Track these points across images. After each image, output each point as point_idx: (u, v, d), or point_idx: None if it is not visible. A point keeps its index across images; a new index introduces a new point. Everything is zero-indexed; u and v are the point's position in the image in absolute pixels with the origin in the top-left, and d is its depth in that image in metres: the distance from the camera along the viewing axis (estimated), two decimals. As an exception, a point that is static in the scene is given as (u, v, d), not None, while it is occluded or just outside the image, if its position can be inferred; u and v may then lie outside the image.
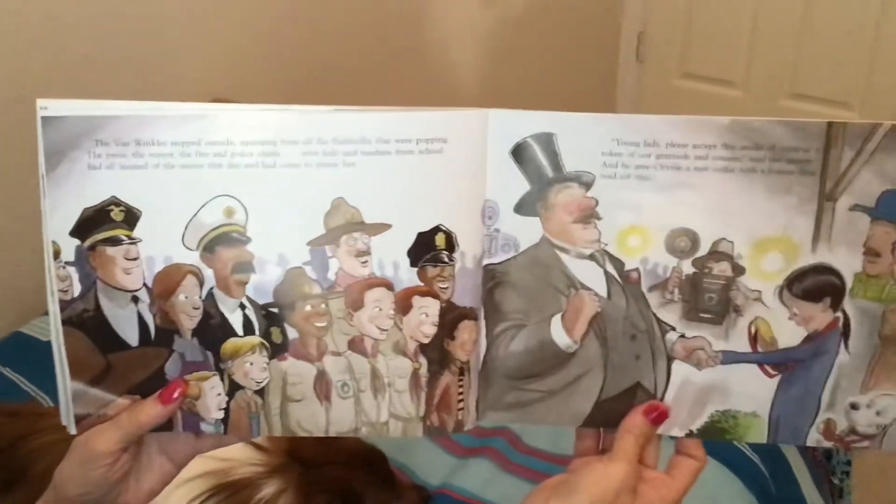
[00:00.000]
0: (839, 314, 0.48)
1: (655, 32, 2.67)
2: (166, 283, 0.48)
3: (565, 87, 2.48)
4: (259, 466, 0.71)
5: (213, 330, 0.49)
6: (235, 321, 0.49)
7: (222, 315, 0.49)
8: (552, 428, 0.74)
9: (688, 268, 0.48)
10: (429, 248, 0.48)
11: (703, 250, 0.48)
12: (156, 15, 1.32)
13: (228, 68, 1.44)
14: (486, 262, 0.49)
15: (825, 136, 0.46)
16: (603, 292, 0.49)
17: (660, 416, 0.49)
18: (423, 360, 0.50)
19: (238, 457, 0.71)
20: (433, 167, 0.48)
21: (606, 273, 0.49)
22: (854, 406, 0.49)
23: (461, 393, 0.50)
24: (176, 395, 0.49)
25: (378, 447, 0.80)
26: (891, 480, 1.59)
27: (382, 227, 0.48)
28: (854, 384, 0.49)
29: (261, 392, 0.50)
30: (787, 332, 0.48)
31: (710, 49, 2.59)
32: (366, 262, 0.48)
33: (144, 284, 0.48)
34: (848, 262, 0.47)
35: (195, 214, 0.48)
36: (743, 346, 0.49)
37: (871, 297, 0.48)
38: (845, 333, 0.48)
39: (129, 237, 0.48)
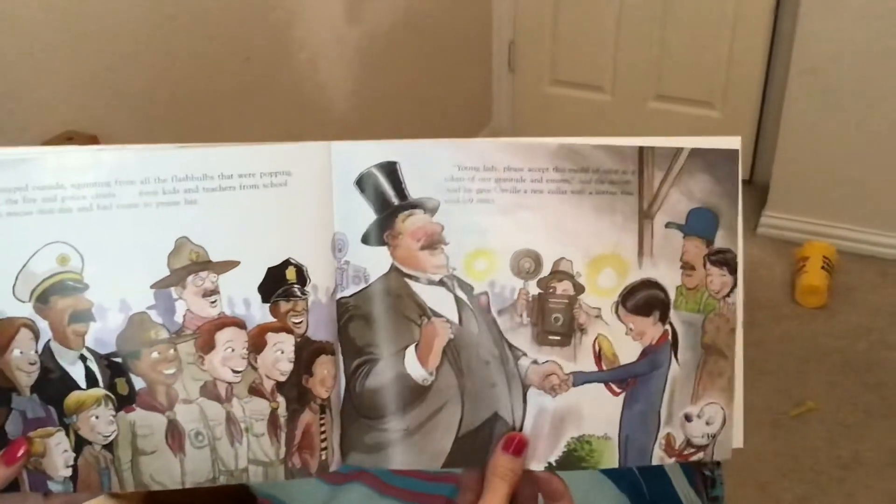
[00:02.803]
0: (667, 327, 0.50)
1: (525, 42, 2.74)
2: None
3: (441, 99, 2.51)
4: None
5: (53, 384, 0.47)
6: (77, 374, 0.47)
7: (62, 368, 0.47)
8: None
9: (533, 289, 0.49)
10: (280, 283, 0.47)
11: (546, 270, 0.49)
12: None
13: (83, 99, 1.37)
14: (339, 295, 0.49)
15: (638, 158, 0.49)
16: (454, 318, 0.49)
17: (519, 445, 0.49)
18: (280, 400, 0.48)
19: (92, 508, 0.67)
20: (279, 201, 0.47)
21: (457, 298, 0.49)
22: (688, 418, 0.51)
23: (323, 432, 0.49)
24: (20, 454, 0.46)
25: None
26: (761, 465, 1.69)
27: (230, 265, 0.47)
28: (686, 395, 0.51)
29: (109, 446, 0.48)
30: (626, 348, 0.50)
31: (577, 56, 2.69)
32: (215, 301, 0.47)
33: None
34: (669, 276, 0.50)
35: (25, 264, 0.45)
36: (590, 365, 0.50)
37: (691, 309, 0.50)
38: (675, 345, 0.50)
39: None
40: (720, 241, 0.50)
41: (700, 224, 0.50)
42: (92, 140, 1.33)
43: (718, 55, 2.48)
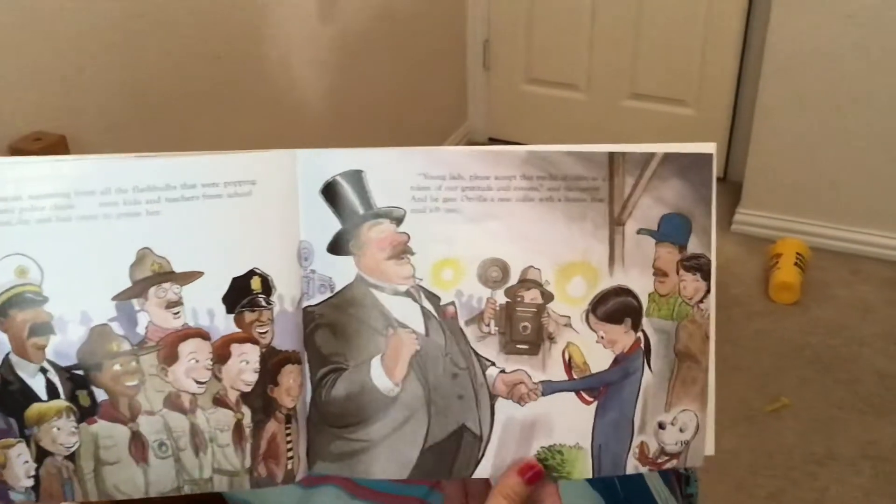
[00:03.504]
0: (640, 334, 0.50)
1: (500, 40, 2.75)
2: None
3: (416, 98, 2.50)
4: None
5: (13, 396, 0.46)
6: (37, 386, 0.46)
7: (22, 381, 0.46)
8: None
9: (501, 298, 0.49)
10: (245, 293, 0.47)
11: (514, 279, 0.49)
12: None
13: (50, 100, 1.35)
14: (305, 304, 0.49)
15: (608, 164, 0.48)
16: (421, 329, 0.49)
17: (535, 476, 0.48)
18: (245, 410, 0.48)
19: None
20: (243, 210, 0.46)
21: (423, 309, 0.49)
22: (661, 425, 0.50)
23: (289, 441, 0.48)
24: None
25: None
26: (735, 461, 1.70)
27: (194, 276, 0.46)
28: (659, 403, 0.50)
29: (72, 457, 0.47)
30: (597, 356, 0.49)
31: (552, 54, 2.69)
32: (178, 313, 0.46)
33: None
34: (641, 283, 0.49)
35: None
36: (560, 374, 0.49)
37: (664, 316, 0.50)
38: (647, 353, 0.50)
39: None
40: (693, 247, 0.50)
41: (672, 230, 0.49)
42: (60, 140, 1.31)
43: (692, 53, 2.50)
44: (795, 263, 2.15)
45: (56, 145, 1.28)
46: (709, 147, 0.49)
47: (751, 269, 2.28)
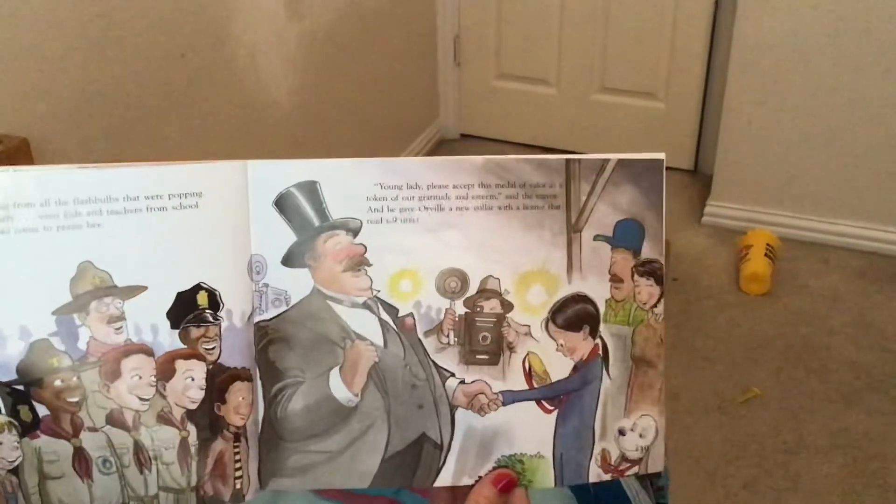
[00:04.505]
0: (598, 341, 0.50)
1: (470, 36, 2.74)
2: None
3: (387, 95, 2.48)
4: None
5: None
6: None
7: None
8: None
9: (460, 308, 0.48)
10: (190, 308, 0.46)
11: (473, 289, 0.48)
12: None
13: (12, 102, 1.32)
14: (257, 318, 0.47)
15: (565, 171, 0.48)
16: (379, 341, 0.48)
17: (508, 485, 0.49)
18: (191, 428, 0.47)
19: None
20: (190, 223, 0.45)
21: (381, 321, 0.48)
22: (622, 431, 0.50)
23: (238, 460, 0.47)
24: None
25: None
26: (708, 452, 1.71)
27: (137, 290, 0.45)
28: (619, 409, 0.50)
29: (15, 471, 0.46)
30: (557, 365, 0.49)
31: (522, 49, 2.69)
32: (120, 328, 0.45)
33: None
34: (598, 290, 0.49)
35: None
36: (520, 383, 0.49)
37: (620, 321, 0.50)
38: (605, 359, 0.50)
39: None
40: (646, 252, 0.50)
41: (627, 236, 0.49)
42: (22, 144, 1.28)
43: (661, 47, 2.50)
44: (766, 254, 2.16)
45: (18, 149, 1.26)
46: (659, 155, 0.50)
47: (721, 260, 2.29)
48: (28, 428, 0.46)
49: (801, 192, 2.32)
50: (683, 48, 2.48)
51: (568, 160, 0.48)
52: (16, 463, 0.46)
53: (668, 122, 2.60)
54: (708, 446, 1.72)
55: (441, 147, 2.87)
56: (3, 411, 0.45)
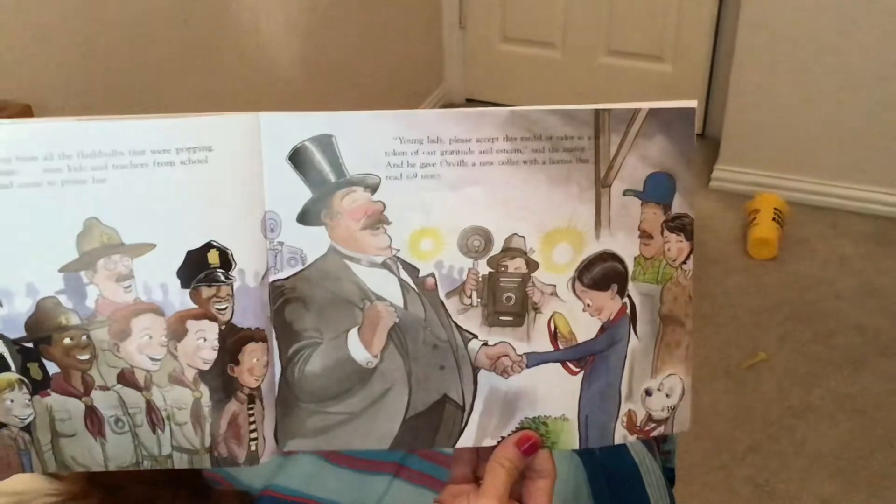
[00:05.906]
0: (626, 300, 0.48)
1: (474, -2, 2.69)
2: None
3: (392, 59, 2.45)
4: (54, 497, 0.65)
5: None
6: None
7: None
8: None
9: (483, 268, 0.46)
10: (201, 267, 0.44)
11: (497, 248, 0.46)
12: None
13: (14, 69, 1.29)
14: (272, 278, 0.46)
15: (594, 123, 0.46)
16: (399, 302, 0.46)
17: (532, 447, 0.47)
18: (204, 389, 0.45)
19: (31, 488, 0.65)
20: (199, 179, 0.43)
21: (401, 281, 0.46)
22: (648, 392, 0.49)
23: (253, 422, 0.46)
24: None
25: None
26: (714, 417, 1.71)
27: (145, 248, 0.43)
28: (646, 369, 0.49)
29: (28, 428, 0.46)
30: (584, 325, 0.47)
31: (528, 13, 2.64)
32: (129, 286, 0.44)
33: None
34: (627, 247, 0.47)
35: None
36: (545, 345, 0.47)
37: (649, 280, 0.48)
38: (633, 318, 0.48)
39: None
40: (677, 206, 0.48)
41: (658, 189, 0.47)
42: (25, 109, 1.27)
43: (668, 8, 2.46)
44: (773, 219, 2.14)
45: (21, 114, 1.25)
46: (690, 102, 0.47)
47: (729, 225, 2.27)
48: (39, 386, 0.45)
49: (809, 156, 2.29)
50: (691, 9, 2.43)
51: (597, 110, 0.45)
52: (28, 420, 0.46)
53: (676, 85, 2.56)
54: (714, 411, 1.72)
55: (445, 112, 2.83)
56: (13, 368, 0.45)
